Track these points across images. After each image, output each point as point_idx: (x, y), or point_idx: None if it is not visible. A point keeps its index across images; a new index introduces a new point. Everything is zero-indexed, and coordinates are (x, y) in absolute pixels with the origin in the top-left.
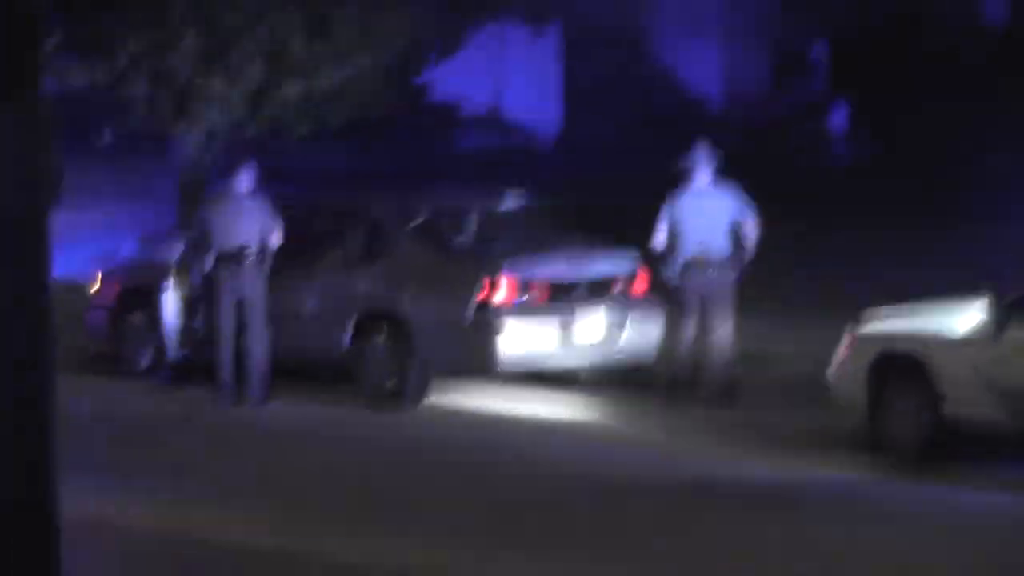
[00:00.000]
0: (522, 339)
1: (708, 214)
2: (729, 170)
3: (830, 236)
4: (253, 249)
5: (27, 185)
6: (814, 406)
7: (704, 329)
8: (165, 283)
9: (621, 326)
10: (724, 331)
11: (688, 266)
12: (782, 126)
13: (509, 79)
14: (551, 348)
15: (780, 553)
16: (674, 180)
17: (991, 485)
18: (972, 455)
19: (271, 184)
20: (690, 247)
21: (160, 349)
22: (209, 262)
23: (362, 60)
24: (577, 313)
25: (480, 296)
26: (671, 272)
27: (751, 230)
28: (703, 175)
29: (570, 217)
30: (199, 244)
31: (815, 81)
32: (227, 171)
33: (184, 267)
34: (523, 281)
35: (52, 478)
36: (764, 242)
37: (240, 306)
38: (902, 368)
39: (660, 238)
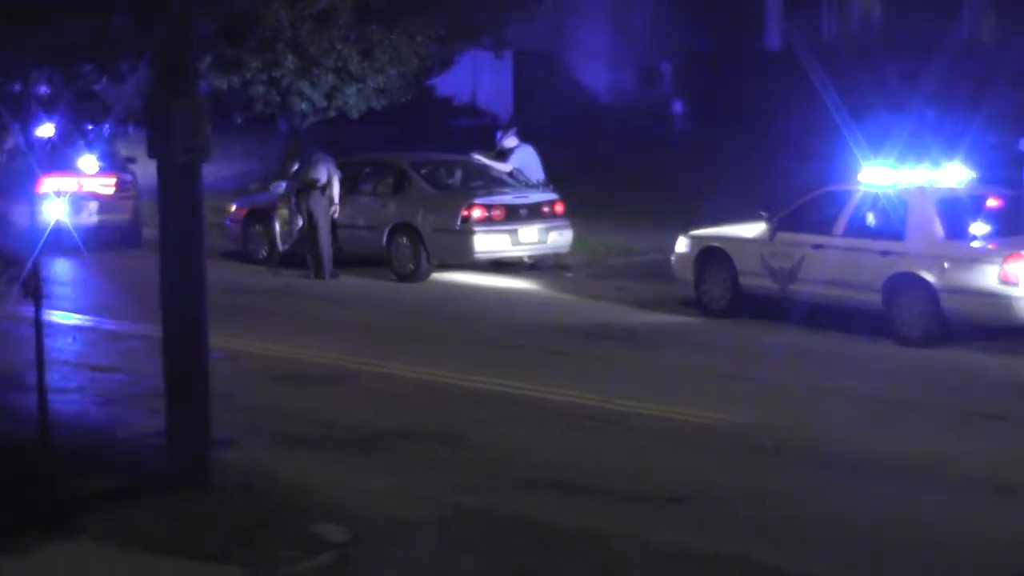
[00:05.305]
0: (488, 241)
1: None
2: (612, 138)
3: (670, 174)
4: (322, 183)
5: (192, 147)
6: (661, 280)
7: None
8: (274, 206)
9: (548, 232)
10: None
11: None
12: (643, 111)
13: (481, 84)
14: (506, 246)
15: (640, 366)
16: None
17: (765, 325)
18: (755, 309)
19: (338, 146)
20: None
21: (271, 246)
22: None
23: (392, 72)
24: (521, 225)
25: (463, 215)
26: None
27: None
28: (513, 139)
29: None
30: (294, 183)
31: (662, 86)
32: (311, 141)
33: (286, 197)
34: (488, 206)
35: (204, 320)
36: (628, 176)
37: (311, 218)
38: (716, 257)
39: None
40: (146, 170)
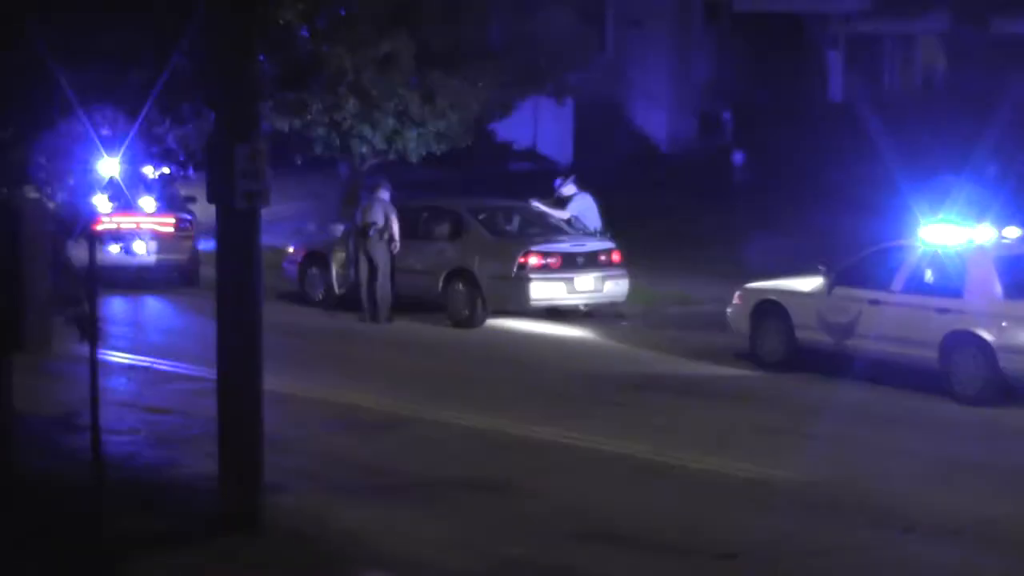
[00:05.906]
0: (544, 288)
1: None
2: (671, 186)
3: (729, 224)
4: (380, 227)
5: (252, 192)
6: (717, 332)
7: None
8: (332, 249)
9: (604, 281)
10: None
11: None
12: (703, 160)
13: (541, 130)
14: (562, 294)
15: (695, 418)
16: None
17: (821, 380)
18: (810, 363)
19: (396, 190)
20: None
21: (328, 288)
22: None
23: (453, 116)
24: (578, 273)
25: (520, 262)
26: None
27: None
28: (571, 187)
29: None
30: (352, 225)
31: (723, 135)
32: (372, 184)
33: (344, 240)
34: (545, 254)
35: (259, 365)
36: (686, 225)
37: (371, 262)
38: (772, 311)
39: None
40: (206, 211)
